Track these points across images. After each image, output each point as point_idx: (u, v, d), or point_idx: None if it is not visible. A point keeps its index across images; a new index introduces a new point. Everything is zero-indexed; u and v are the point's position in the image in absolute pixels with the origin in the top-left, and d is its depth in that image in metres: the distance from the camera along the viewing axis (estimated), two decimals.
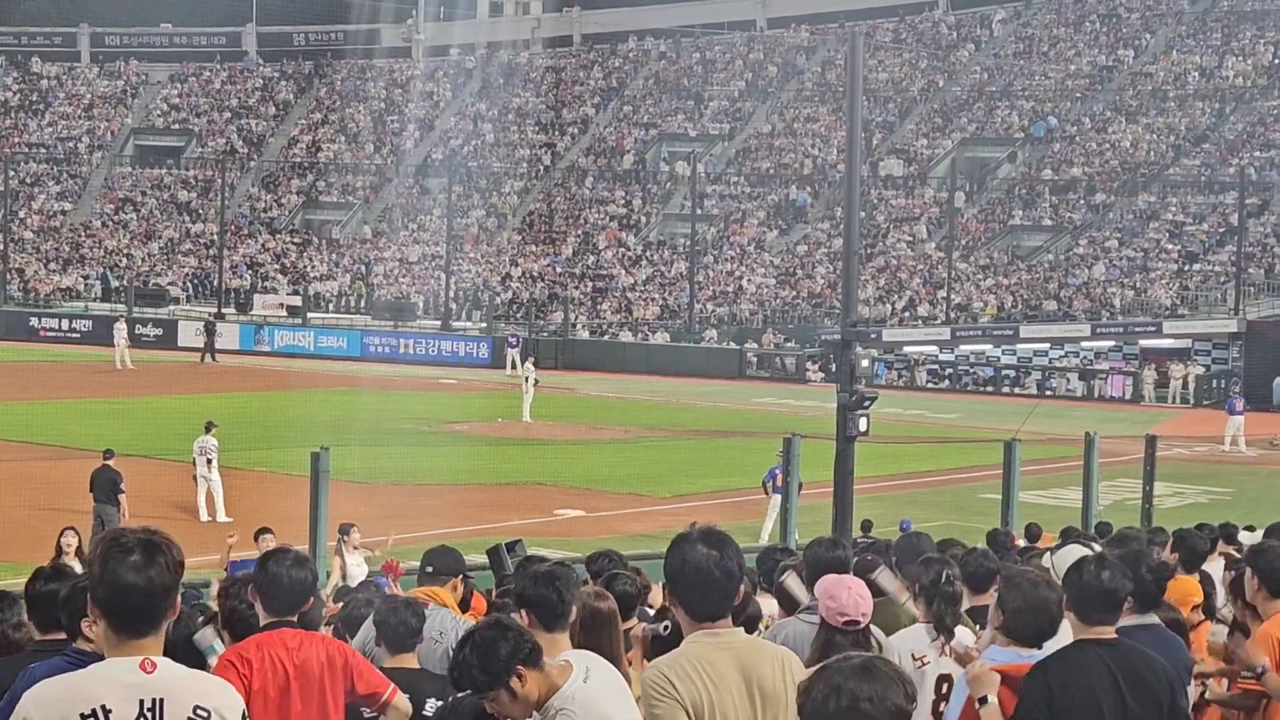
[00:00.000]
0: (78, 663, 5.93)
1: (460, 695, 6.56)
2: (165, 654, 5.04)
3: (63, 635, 7.18)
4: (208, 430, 30.62)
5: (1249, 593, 9.08)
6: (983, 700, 6.71)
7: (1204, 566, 11.64)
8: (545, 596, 6.88)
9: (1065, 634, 7.06)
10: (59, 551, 19.53)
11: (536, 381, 49.67)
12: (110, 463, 26.75)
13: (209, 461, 30.19)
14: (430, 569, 9.34)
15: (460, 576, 9.53)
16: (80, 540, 19.83)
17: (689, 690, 5.83)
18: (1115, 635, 6.86)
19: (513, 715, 6.13)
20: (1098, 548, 11.23)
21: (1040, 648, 7.05)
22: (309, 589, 7.39)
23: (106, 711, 4.86)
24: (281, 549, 7.51)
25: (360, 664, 7.43)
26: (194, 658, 8.29)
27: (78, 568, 12.17)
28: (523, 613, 6.88)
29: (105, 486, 26.33)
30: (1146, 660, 6.79)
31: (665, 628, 8.60)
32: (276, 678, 7.06)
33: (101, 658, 5.06)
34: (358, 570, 19.55)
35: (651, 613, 10.60)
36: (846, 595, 7.32)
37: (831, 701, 4.52)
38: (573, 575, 7.20)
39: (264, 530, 19.75)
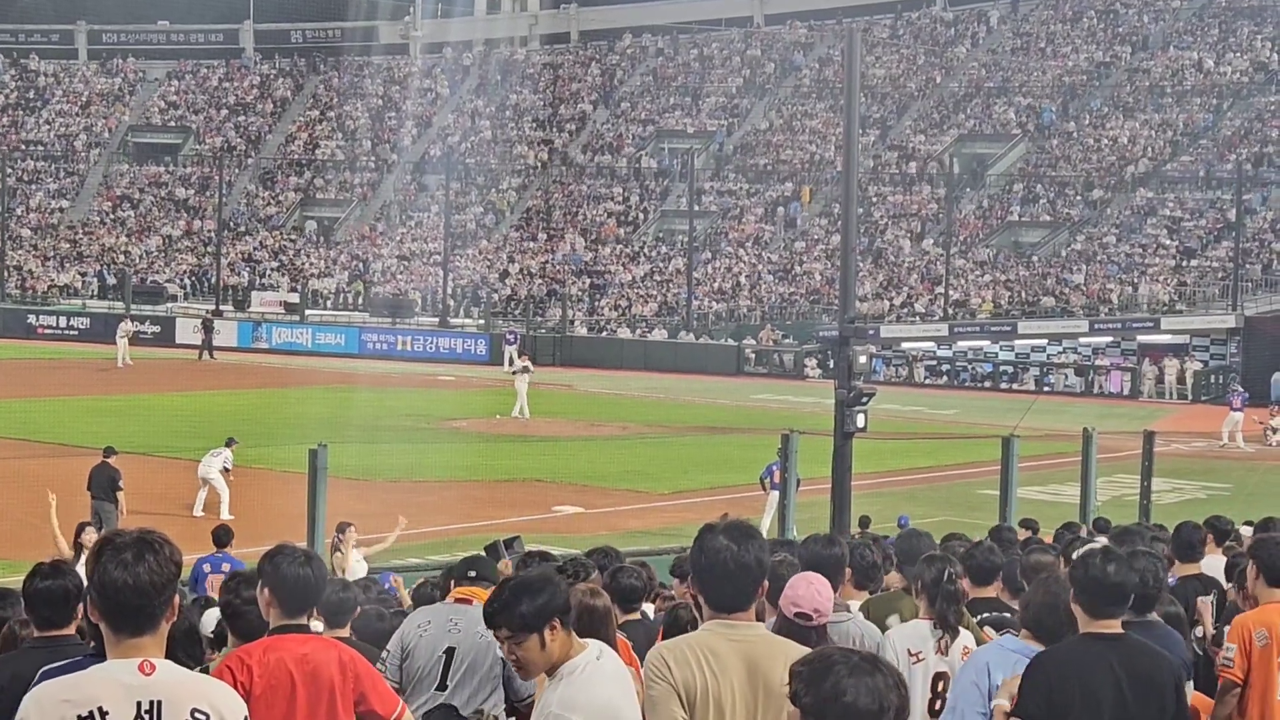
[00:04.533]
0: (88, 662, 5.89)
1: None
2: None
3: (65, 631, 7.16)
4: (228, 444, 30.71)
5: (1249, 582, 9.25)
6: None
7: (1203, 563, 11.67)
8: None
9: None
10: (78, 548, 19.39)
11: (526, 369, 49.65)
12: (110, 460, 26.73)
13: (222, 468, 30.28)
14: (473, 573, 9.36)
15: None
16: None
17: (683, 674, 5.84)
18: (1121, 630, 6.89)
19: (532, 665, 6.19)
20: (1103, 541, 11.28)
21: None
22: (320, 587, 7.28)
23: (104, 713, 4.85)
24: (288, 546, 7.35)
25: (374, 677, 7.22)
26: (192, 650, 8.29)
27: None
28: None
29: (104, 484, 26.32)
30: (1152, 655, 6.82)
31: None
32: (281, 684, 6.86)
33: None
34: (358, 568, 19.58)
35: (651, 609, 10.63)
36: (805, 588, 7.31)
37: (861, 697, 4.52)
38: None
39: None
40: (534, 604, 6.12)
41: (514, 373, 50.42)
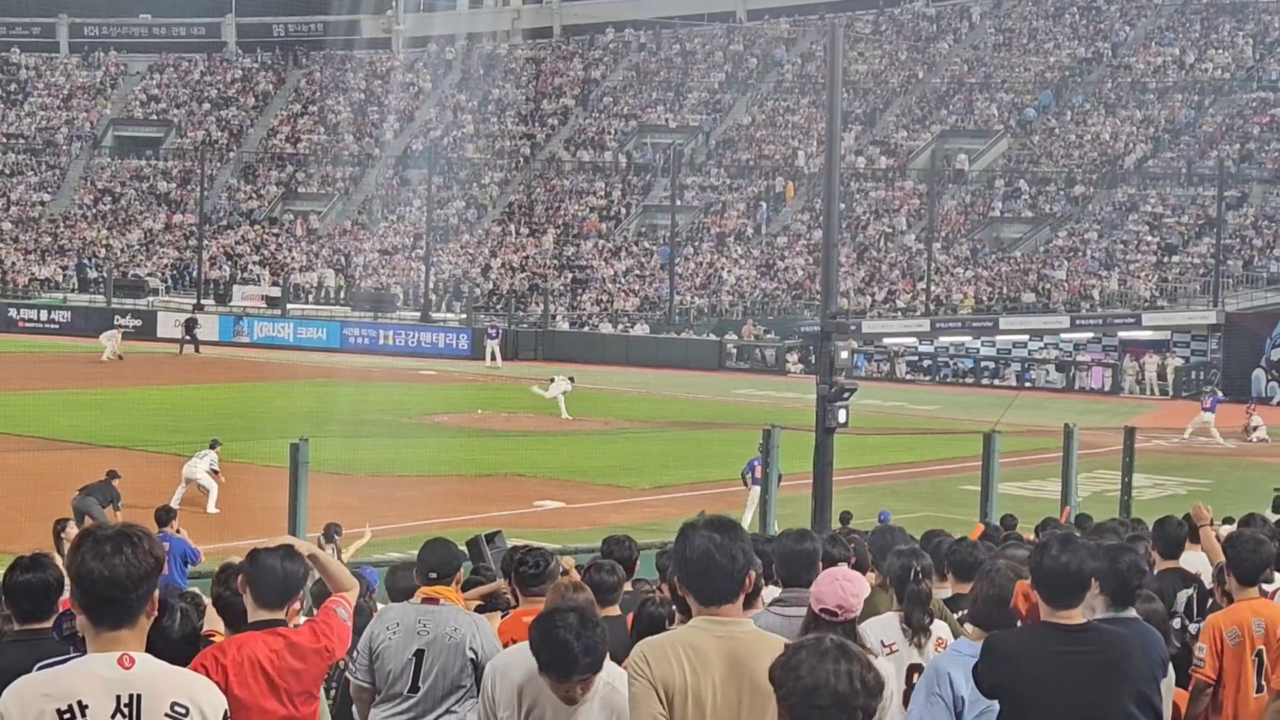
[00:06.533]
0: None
1: None
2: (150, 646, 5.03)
3: (45, 624, 7.14)
4: (212, 446, 30.75)
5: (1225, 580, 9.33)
6: None
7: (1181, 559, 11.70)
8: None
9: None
10: (59, 543, 19.26)
11: (573, 381, 49.79)
12: (114, 483, 26.38)
13: (209, 470, 30.35)
14: (434, 574, 8.94)
15: (460, 568, 9.34)
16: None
17: (662, 670, 5.86)
18: (1083, 621, 6.73)
19: (585, 691, 6.71)
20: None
21: None
22: (300, 581, 7.27)
23: (83, 708, 4.84)
24: (277, 542, 7.37)
25: (330, 628, 7.29)
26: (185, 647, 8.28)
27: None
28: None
29: (98, 491, 25.98)
30: (1113, 648, 6.66)
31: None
32: (256, 682, 6.85)
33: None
34: None
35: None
36: (829, 584, 7.34)
37: (806, 677, 4.76)
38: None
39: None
40: (604, 634, 6.70)
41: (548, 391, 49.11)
